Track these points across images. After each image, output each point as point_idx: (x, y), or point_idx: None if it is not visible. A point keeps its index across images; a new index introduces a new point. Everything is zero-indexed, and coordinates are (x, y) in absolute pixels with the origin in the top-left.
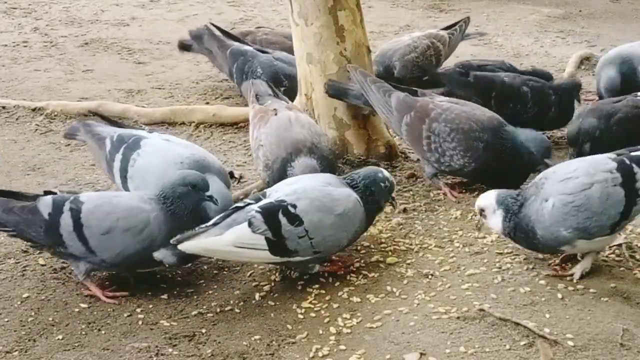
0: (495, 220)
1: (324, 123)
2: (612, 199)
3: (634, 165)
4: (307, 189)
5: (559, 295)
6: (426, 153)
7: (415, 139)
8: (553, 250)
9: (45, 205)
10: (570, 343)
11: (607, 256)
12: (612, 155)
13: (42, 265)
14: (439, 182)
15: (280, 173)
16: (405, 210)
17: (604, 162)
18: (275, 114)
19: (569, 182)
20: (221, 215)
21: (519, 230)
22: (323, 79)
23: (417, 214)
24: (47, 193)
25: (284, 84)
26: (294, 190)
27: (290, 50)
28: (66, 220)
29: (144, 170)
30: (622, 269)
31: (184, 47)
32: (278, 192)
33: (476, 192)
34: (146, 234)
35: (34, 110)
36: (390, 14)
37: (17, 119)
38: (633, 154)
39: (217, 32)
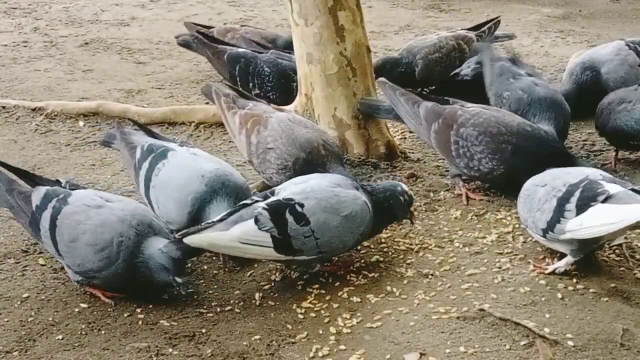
0: None
1: (323, 123)
2: (546, 205)
3: (578, 190)
4: (315, 189)
5: (559, 295)
6: (455, 159)
7: (443, 146)
8: (524, 225)
9: (37, 196)
10: (570, 343)
11: (607, 256)
12: (592, 175)
13: (42, 265)
14: (459, 182)
15: (302, 172)
16: None
17: (574, 175)
18: (270, 117)
19: (543, 175)
20: (227, 211)
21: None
22: (323, 78)
23: (417, 214)
24: (55, 182)
25: (295, 80)
26: (302, 189)
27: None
28: (46, 218)
29: (165, 182)
30: (622, 269)
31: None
32: (286, 191)
33: (480, 193)
34: (106, 254)
35: (34, 110)
36: (390, 14)
37: (17, 119)
38: (595, 182)
39: (205, 40)
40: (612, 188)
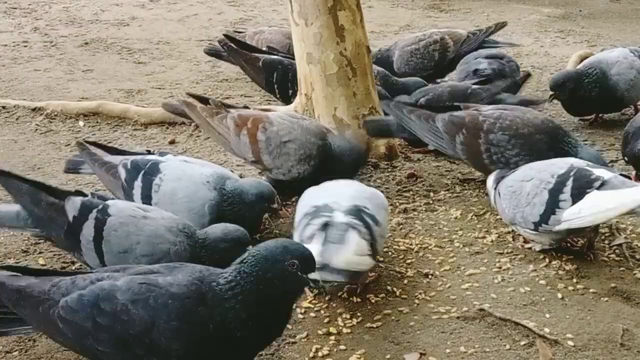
0: (490, 198)
1: (324, 123)
2: (536, 199)
3: (570, 179)
4: (357, 189)
5: (559, 295)
6: (489, 166)
7: (474, 156)
8: (511, 223)
9: (72, 207)
10: (570, 343)
11: (607, 256)
12: (576, 163)
13: (42, 265)
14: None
15: (325, 157)
16: (405, 210)
17: (559, 166)
18: (269, 114)
19: (525, 169)
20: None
21: (496, 201)
22: (323, 79)
23: (417, 214)
24: (77, 193)
25: None
26: (351, 195)
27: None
28: (88, 229)
29: (171, 195)
30: (622, 269)
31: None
32: (340, 200)
33: (477, 191)
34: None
35: (34, 110)
36: (390, 14)
37: (17, 119)
38: (585, 169)
39: (234, 45)
40: (603, 173)
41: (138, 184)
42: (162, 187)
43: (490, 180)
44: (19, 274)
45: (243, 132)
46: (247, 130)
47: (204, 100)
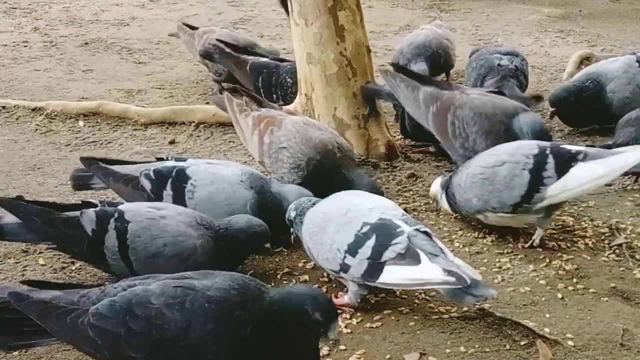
0: (443, 201)
1: (324, 123)
2: (516, 181)
3: (550, 157)
4: (378, 197)
5: (559, 295)
6: (451, 140)
7: (440, 127)
8: (472, 216)
9: (89, 220)
10: (570, 343)
11: (607, 256)
12: (542, 143)
13: (42, 265)
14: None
15: (315, 172)
16: (405, 210)
17: (529, 147)
18: (284, 119)
19: (490, 156)
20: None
21: (449, 198)
22: (323, 79)
23: (417, 214)
24: (86, 204)
25: None
26: (384, 204)
27: None
28: (111, 240)
29: (208, 200)
30: (622, 269)
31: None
32: (386, 210)
33: None
34: (192, 261)
35: (34, 110)
36: (390, 14)
37: (17, 119)
38: (561, 147)
39: (227, 49)
40: (581, 148)
41: (168, 192)
42: (196, 193)
43: (437, 186)
44: (37, 289)
45: (255, 132)
46: (258, 131)
47: (258, 100)
